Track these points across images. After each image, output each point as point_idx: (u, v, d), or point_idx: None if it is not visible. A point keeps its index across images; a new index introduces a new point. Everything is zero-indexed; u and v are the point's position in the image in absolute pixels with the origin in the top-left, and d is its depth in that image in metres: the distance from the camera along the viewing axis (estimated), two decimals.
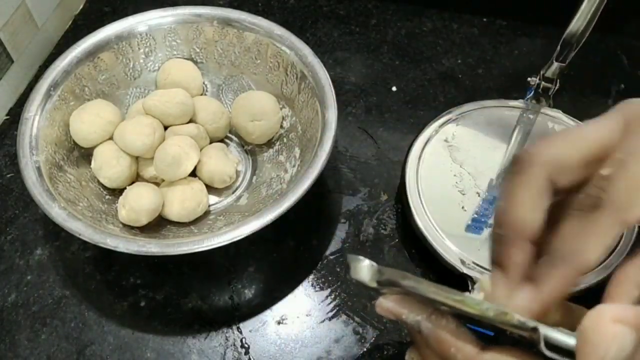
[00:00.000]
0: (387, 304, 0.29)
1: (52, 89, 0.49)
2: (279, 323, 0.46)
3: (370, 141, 0.57)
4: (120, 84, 0.55)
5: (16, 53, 0.59)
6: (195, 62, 0.56)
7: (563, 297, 0.27)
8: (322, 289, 0.48)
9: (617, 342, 0.21)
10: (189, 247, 0.41)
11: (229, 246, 0.42)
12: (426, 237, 0.47)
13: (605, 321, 0.22)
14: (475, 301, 0.25)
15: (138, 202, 0.46)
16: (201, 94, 0.56)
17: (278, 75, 0.54)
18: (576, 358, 0.22)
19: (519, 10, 0.67)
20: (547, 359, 0.24)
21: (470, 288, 0.44)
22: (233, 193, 0.52)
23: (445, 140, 0.53)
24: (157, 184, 0.50)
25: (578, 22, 0.49)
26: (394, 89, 0.62)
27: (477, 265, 0.45)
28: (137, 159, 0.50)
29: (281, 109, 0.54)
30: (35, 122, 0.47)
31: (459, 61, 0.64)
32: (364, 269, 0.28)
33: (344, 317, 0.46)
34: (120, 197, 0.47)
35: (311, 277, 0.49)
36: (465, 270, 0.45)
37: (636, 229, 0.47)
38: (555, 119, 0.54)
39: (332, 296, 0.48)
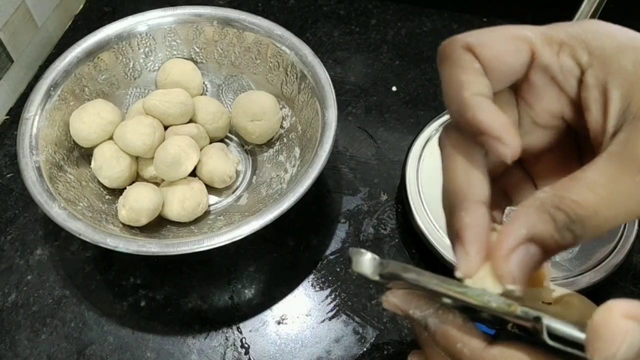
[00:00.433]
0: (394, 300, 0.29)
1: (52, 89, 0.49)
2: (279, 323, 0.46)
3: (370, 141, 0.57)
4: (120, 84, 0.55)
5: (16, 53, 0.59)
6: (195, 62, 0.56)
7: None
8: (322, 289, 0.48)
9: (629, 337, 0.21)
10: (189, 247, 0.41)
11: (229, 246, 0.42)
12: (426, 236, 0.47)
13: (616, 316, 0.22)
14: (477, 292, 0.25)
15: (138, 202, 0.46)
16: (201, 94, 0.56)
17: (278, 75, 0.54)
18: (586, 353, 0.22)
19: (519, 10, 0.67)
20: (550, 349, 0.24)
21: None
22: (233, 193, 0.52)
23: None
24: (157, 184, 0.50)
25: None
26: (394, 89, 0.62)
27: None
28: (137, 159, 0.50)
29: (281, 109, 0.54)
30: (35, 122, 0.47)
31: None
32: (366, 262, 0.28)
33: (344, 317, 0.46)
34: (120, 197, 0.47)
35: (311, 277, 0.49)
36: None
37: (636, 228, 0.47)
38: None
39: (332, 296, 0.48)
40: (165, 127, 0.51)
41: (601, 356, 0.21)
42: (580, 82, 0.25)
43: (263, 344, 0.45)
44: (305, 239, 0.51)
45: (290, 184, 0.46)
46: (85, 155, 0.51)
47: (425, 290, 0.27)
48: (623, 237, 0.46)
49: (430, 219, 0.48)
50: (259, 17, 0.54)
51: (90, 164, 0.50)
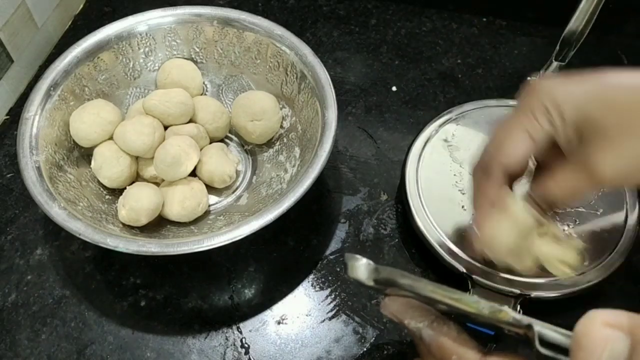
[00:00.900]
0: (391, 308, 0.29)
1: (52, 89, 0.49)
2: (279, 323, 0.46)
3: (370, 141, 0.57)
4: (120, 83, 0.55)
5: (16, 53, 0.59)
6: (195, 62, 0.56)
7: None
8: (322, 288, 0.48)
9: (610, 346, 0.21)
10: (189, 247, 0.41)
11: (229, 246, 0.42)
12: (426, 236, 0.47)
13: (596, 326, 0.22)
14: (472, 299, 0.25)
15: (138, 202, 0.46)
16: (201, 94, 0.56)
17: (278, 75, 0.54)
18: None
19: (519, 10, 0.67)
20: (543, 357, 0.24)
21: (469, 287, 0.44)
22: (233, 193, 0.52)
23: (445, 140, 0.53)
24: (157, 184, 0.50)
25: (577, 21, 0.49)
26: (394, 89, 0.62)
27: (477, 264, 0.45)
28: (137, 159, 0.50)
29: (281, 109, 0.54)
30: (35, 122, 0.47)
31: (459, 61, 0.64)
32: (361, 267, 0.28)
33: (344, 317, 0.46)
34: (120, 197, 0.47)
35: (311, 277, 0.49)
36: (465, 270, 0.45)
37: (636, 228, 0.47)
38: None
39: (332, 296, 0.48)
40: (165, 127, 0.51)
41: None
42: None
43: (263, 344, 0.45)
44: (305, 239, 0.51)
45: (290, 184, 0.46)
46: (85, 155, 0.51)
47: (421, 296, 0.27)
48: (622, 239, 0.46)
49: (430, 219, 0.48)
50: (259, 17, 0.54)
51: (90, 164, 0.50)
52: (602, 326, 0.22)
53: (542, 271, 0.36)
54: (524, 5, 0.67)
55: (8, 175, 0.55)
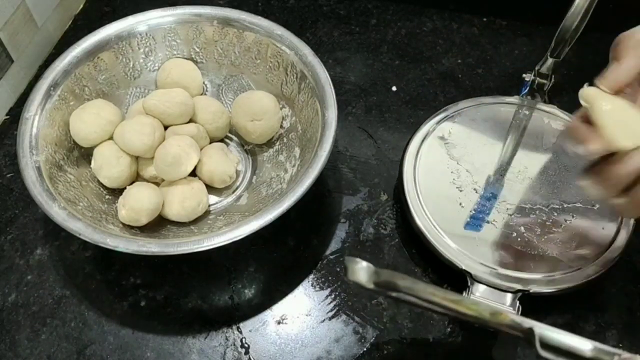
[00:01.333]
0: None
1: (52, 88, 0.49)
2: (279, 323, 0.46)
3: (370, 141, 0.57)
4: (120, 83, 0.55)
5: (16, 53, 0.59)
6: (195, 62, 0.56)
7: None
8: (322, 288, 0.48)
9: None
10: (189, 247, 0.41)
11: (229, 246, 0.42)
12: (424, 234, 0.47)
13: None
14: (471, 302, 0.26)
15: (138, 202, 0.46)
16: (201, 94, 0.56)
17: (278, 75, 0.54)
18: None
19: (519, 10, 0.67)
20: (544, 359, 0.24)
21: (469, 284, 0.44)
22: (233, 193, 0.52)
23: (442, 138, 0.53)
24: (157, 184, 0.50)
25: (572, 18, 0.49)
26: (394, 88, 0.62)
27: (477, 261, 0.45)
28: (137, 159, 0.50)
29: (281, 108, 0.54)
30: (35, 122, 0.47)
31: (459, 61, 0.64)
32: (361, 270, 0.28)
33: (344, 317, 0.46)
34: (120, 197, 0.47)
35: (311, 277, 0.49)
36: (464, 267, 0.45)
37: (632, 223, 0.47)
38: (550, 114, 0.54)
39: (332, 296, 0.48)
40: (165, 127, 0.51)
41: None
42: None
43: (263, 344, 0.45)
44: (305, 239, 0.51)
45: (290, 184, 0.46)
46: (85, 155, 0.51)
47: (420, 299, 0.27)
48: (620, 232, 0.46)
49: (428, 217, 0.48)
50: (259, 17, 0.54)
51: (90, 164, 0.50)
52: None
53: None
54: (524, 5, 0.67)
55: (8, 175, 0.55)
